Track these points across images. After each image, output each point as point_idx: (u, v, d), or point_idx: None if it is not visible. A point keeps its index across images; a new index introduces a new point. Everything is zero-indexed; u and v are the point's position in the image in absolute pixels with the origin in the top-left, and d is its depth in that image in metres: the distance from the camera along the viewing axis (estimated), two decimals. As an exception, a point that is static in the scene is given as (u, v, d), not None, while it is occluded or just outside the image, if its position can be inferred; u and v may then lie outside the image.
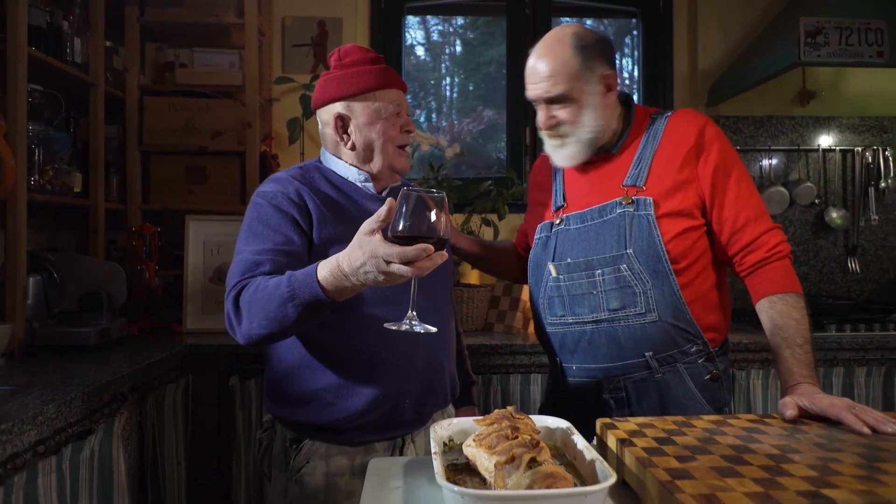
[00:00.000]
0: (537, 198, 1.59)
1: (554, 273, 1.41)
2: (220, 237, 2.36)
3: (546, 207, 1.53)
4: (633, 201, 1.35)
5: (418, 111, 3.20)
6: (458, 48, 3.27)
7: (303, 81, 2.64)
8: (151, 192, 2.52)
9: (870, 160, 2.93)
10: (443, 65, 3.26)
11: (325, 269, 1.09)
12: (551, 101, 1.37)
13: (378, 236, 1.02)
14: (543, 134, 1.43)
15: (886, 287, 2.95)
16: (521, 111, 2.95)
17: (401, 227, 1.00)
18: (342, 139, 1.38)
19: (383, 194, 1.42)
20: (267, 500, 1.33)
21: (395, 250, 0.99)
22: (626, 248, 1.33)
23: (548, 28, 2.96)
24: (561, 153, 1.42)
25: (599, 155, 1.43)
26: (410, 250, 0.98)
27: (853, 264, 2.93)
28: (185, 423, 1.97)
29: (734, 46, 2.88)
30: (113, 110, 2.42)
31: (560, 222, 1.44)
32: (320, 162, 1.44)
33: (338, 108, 1.36)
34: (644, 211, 1.34)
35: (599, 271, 1.35)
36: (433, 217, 1.01)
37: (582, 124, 1.37)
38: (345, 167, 1.40)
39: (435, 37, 3.25)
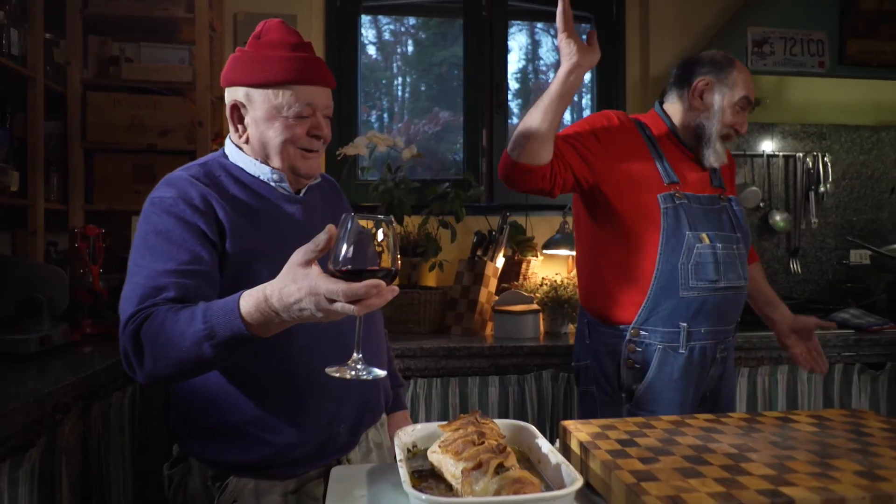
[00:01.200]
0: (635, 156, 1.65)
1: (707, 241, 1.59)
2: (169, 239, 2.27)
3: (650, 175, 1.63)
4: (728, 199, 1.73)
5: (374, 111, 3.17)
6: (410, 48, 3.25)
7: (256, 79, 2.58)
8: (95, 192, 2.42)
9: (810, 166, 3.06)
10: (394, 64, 3.24)
11: (250, 303, 0.93)
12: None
13: (316, 269, 0.88)
14: (724, 135, 1.68)
15: (825, 288, 3.08)
16: (478, 114, 2.96)
17: (343, 259, 0.87)
18: (237, 129, 1.23)
19: (301, 194, 1.28)
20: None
21: (340, 287, 0.84)
22: (736, 232, 1.68)
23: (504, 31, 2.99)
24: (724, 157, 1.70)
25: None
26: (359, 287, 0.84)
27: (795, 266, 3.05)
28: (132, 433, 1.89)
29: (683, 54, 2.95)
30: (53, 106, 2.31)
31: (682, 197, 1.62)
32: (225, 156, 1.26)
33: (238, 94, 1.20)
34: (737, 207, 1.73)
35: (735, 245, 1.65)
36: (381, 246, 0.88)
37: None
38: (253, 164, 1.24)
39: (386, 36, 3.22)
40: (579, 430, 1.03)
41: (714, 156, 1.68)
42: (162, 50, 2.50)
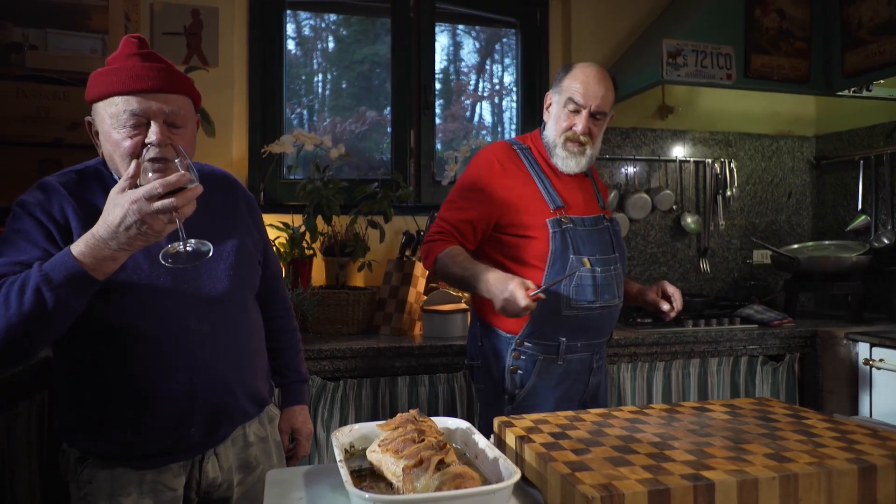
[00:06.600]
0: (520, 189, 1.73)
1: (588, 265, 1.68)
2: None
3: (537, 202, 1.71)
4: (610, 219, 1.82)
5: (298, 108, 3.11)
6: (331, 44, 3.20)
7: (175, 72, 2.47)
8: (-5, 188, 2.26)
9: (718, 171, 3.26)
10: (314, 61, 3.18)
11: (80, 244, 1.05)
12: (595, 114, 1.72)
13: (131, 189, 1.02)
14: (564, 139, 1.73)
15: (731, 285, 3.29)
16: (405, 114, 2.96)
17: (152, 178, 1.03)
18: (95, 144, 1.26)
19: None
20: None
21: (156, 181, 0.99)
22: (614, 252, 1.76)
23: (431, 32, 3.01)
24: (575, 161, 1.74)
25: (579, 174, 1.80)
26: (172, 176, 1.00)
27: (705, 265, 3.24)
28: (41, 444, 1.78)
29: (604, 61, 3.07)
30: (-53, 94, 2.14)
31: (568, 221, 1.69)
32: (104, 164, 1.29)
33: (92, 109, 1.24)
34: (616, 227, 1.83)
35: (612, 266, 1.73)
36: (178, 163, 1.04)
37: (597, 143, 1.78)
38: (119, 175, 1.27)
39: (307, 31, 3.16)
40: (514, 426, 1.05)
41: (560, 161, 1.74)
42: (71, 38, 2.36)
